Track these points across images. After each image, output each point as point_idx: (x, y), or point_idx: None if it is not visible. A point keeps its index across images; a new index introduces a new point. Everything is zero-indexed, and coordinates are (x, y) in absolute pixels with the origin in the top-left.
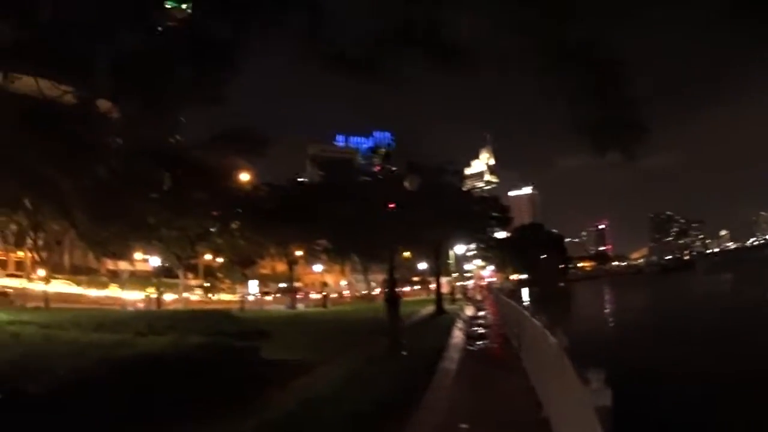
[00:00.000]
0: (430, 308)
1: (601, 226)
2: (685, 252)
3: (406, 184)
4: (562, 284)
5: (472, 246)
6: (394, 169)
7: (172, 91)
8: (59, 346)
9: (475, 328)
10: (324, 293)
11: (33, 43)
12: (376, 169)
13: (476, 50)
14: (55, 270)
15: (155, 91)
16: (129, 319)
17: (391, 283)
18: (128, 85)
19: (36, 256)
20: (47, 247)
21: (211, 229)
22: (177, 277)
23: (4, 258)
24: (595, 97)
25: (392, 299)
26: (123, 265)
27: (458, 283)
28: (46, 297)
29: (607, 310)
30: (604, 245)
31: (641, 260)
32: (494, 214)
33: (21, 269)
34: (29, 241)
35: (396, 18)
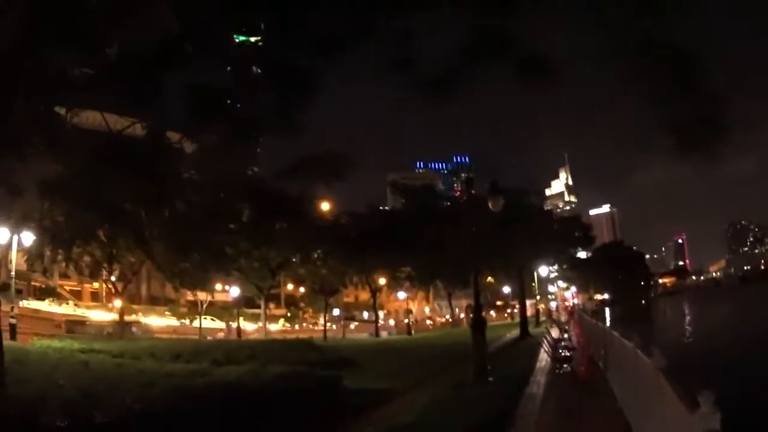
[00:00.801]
0: (514, 332)
1: (679, 240)
2: (762, 261)
3: (490, 205)
4: (643, 302)
5: (555, 267)
6: (474, 192)
7: (247, 122)
8: (130, 375)
9: (561, 351)
10: (408, 320)
11: (105, 77)
12: (458, 193)
13: (554, 57)
14: (132, 301)
15: (230, 123)
16: (207, 349)
17: (476, 308)
18: (202, 117)
19: (111, 287)
20: (122, 277)
21: (293, 259)
22: (258, 306)
23: (79, 288)
24: (680, 95)
25: (478, 324)
26: (201, 296)
27: (542, 306)
28: (121, 327)
29: (690, 328)
30: (683, 259)
31: (719, 273)
32: (577, 233)
33: (97, 299)
34: (104, 273)
35: (468, 31)
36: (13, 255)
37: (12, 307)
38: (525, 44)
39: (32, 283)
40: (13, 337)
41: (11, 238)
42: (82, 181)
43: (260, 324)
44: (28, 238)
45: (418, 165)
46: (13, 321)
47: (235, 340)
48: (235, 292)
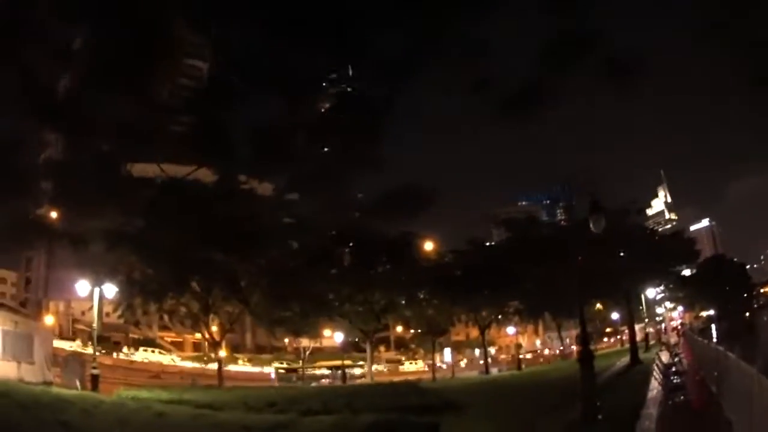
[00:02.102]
0: (624, 359)
1: None
2: None
3: (591, 225)
4: (747, 314)
5: (661, 288)
6: (576, 218)
7: (327, 161)
8: (203, 427)
9: (672, 378)
10: (517, 355)
11: (164, 121)
12: (563, 222)
13: (642, 49)
14: (237, 350)
15: (302, 163)
16: (305, 397)
17: (583, 340)
18: (268, 158)
19: (211, 338)
20: (221, 328)
21: (398, 301)
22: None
23: (180, 340)
24: None
25: (585, 358)
26: (305, 342)
27: (651, 329)
28: (219, 376)
29: None
30: None
31: None
32: (681, 249)
33: (199, 350)
34: (202, 324)
35: (549, 33)
36: (95, 306)
37: (94, 357)
38: (611, 40)
39: (131, 335)
40: (94, 387)
41: (92, 290)
42: (153, 231)
43: (370, 367)
44: (111, 290)
45: (519, 197)
46: (96, 371)
47: (339, 387)
48: (339, 337)
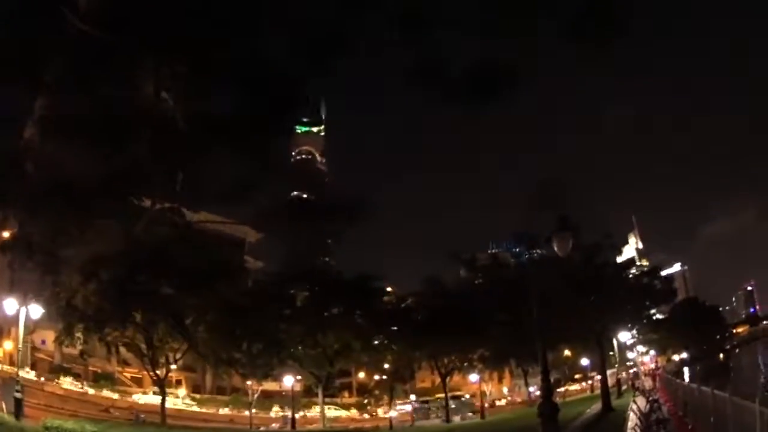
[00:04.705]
0: (596, 406)
1: (748, 288)
2: None
3: (555, 247)
4: (721, 355)
5: (634, 332)
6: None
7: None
8: None
9: (654, 427)
10: (480, 403)
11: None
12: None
13: None
14: (197, 390)
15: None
16: None
17: (545, 392)
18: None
19: (155, 374)
20: (165, 364)
21: (356, 345)
22: (333, 395)
23: (140, 376)
24: None
25: (548, 412)
26: (263, 385)
27: (622, 374)
28: (163, 413)
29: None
30: (754, 305)
31: None
32: (658, 286)
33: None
34: (146, 359)
35: None
36: (21, 329)
37: (17, 381)
38: None
39: (90, 368)
40: (18, 412)
41: (19, 311)
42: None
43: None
44: (37, 311)
45: (488, 246)
46: (18, 395)
47: None
48: (289, 381)
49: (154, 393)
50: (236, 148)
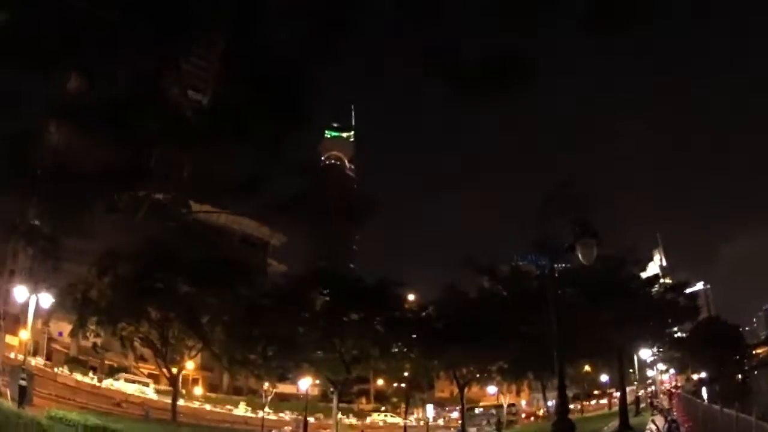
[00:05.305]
0: (612, 423)
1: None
2: None
3: (580, 255)
4: (739, 376)
5: (655, 350)
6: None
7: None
8: None
9: None
10: (498, 416)
11: None
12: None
13: None
14: (214, 390)
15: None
16: None
17: (561, 408)
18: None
19: (168, 371)
20: (173, 361)
21: (373, 352)
22: (351, 401)
23: (156, 372)
24: None
25: (563, 429)
26: (279, 387)
27: (641, 392)
28: (173, 410)
29: None
30: None
31: None
32: (682, 302)
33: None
34: (159, 356)
35: None
36: (29, 317)
37: (23, 368)
38: None
39: (106, 362)
40: (21, 399)
41: (29, 298)
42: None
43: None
44: (47, 300)
45: (513, 257)
46: (23, 383)
47: None
48: (304, 384)
49: (126, 380)
50: (243, 140)
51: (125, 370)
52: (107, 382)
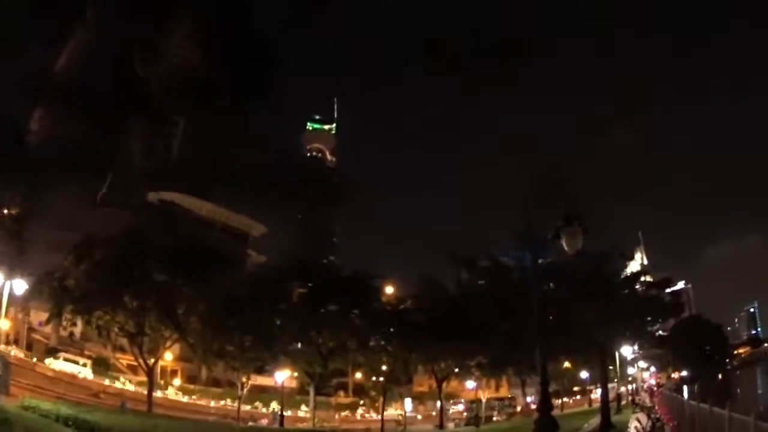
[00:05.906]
0: (594, 421)
1: (751, 310)
2: None
3: (564, 244)
4: (720, 376)
5: (636, 347)
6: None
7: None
8: None
9: None
10: (476, 411)
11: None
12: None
13: None
14: (193, 381)
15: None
16: None
17: (544, 405)
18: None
19: (144, 362)
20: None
21: (351, 345)
22: (329, 394)
23: (135, 364)
24: None
25: (545, 427)
26: (253, 379)
27: (622, 389)
28: (149, 401)
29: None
30: (756, 328)
31: None
32: (666, 299)
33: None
34: (135, 346)
35: None
36: (3, 299)
37: None
38: None
39: (86, 352)
40: None
41: (3, 285)
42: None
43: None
44: (21, 286)
45: (496, 254)
46: None
47: (274, 429)
48: (281, 376)
49: (65, 359)
50: (212, 109)
51: (105, 360)
52: (48, 362)
